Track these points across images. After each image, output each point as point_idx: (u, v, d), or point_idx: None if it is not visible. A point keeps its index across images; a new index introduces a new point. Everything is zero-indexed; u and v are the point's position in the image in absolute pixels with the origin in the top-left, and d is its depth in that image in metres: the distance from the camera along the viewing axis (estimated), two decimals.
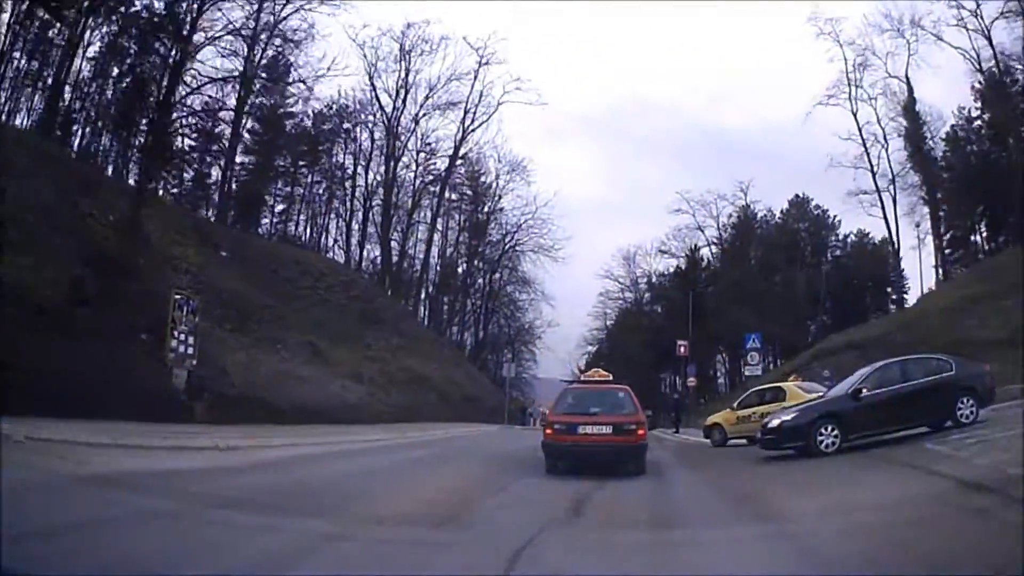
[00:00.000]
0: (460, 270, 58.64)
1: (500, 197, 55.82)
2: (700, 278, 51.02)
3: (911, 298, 62.10)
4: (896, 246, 41.31)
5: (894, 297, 62.73)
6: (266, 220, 49.77)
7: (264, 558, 5.08)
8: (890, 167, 41.05)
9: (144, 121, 28.10)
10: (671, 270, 58.02)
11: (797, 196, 61.21)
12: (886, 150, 40.79)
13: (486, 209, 56.19)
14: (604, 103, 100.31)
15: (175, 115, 27.71)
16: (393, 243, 50.39)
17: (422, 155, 51.90)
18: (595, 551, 6.26)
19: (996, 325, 23.11)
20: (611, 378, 13.82)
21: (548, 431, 11.84)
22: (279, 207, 51.21)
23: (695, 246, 54.77)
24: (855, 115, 42.19)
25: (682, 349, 35.64)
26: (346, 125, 51.55)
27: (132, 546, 5.19)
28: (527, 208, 55.13)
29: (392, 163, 50.55)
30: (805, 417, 12.78)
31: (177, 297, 19.38)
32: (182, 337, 18.96)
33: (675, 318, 48.46)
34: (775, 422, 13.09)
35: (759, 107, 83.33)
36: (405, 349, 37.57)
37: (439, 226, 56.49)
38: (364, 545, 5.93)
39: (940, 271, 43.41)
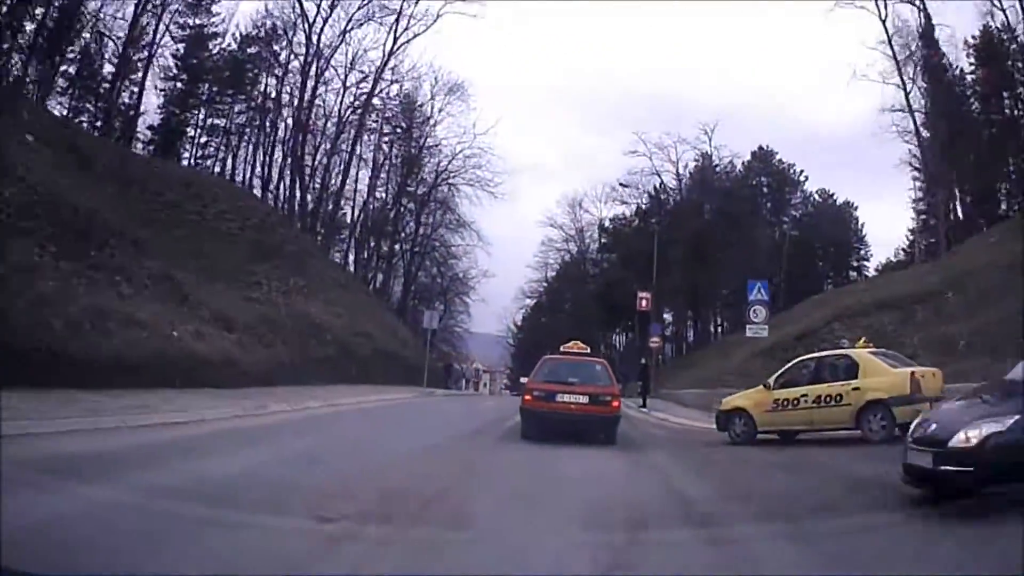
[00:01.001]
0: (392, 213, 50.35)
1: (435, 124, 47.41)
2: (666, 219, 43.29)
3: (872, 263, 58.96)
4: (928, 186, 34.74)
5: (855, 263, 58.54)
6: (187, 152, 42.11)
7: None
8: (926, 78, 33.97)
9: None
10: (626, 214, 50.41)
11: (761, 148, 54.94)
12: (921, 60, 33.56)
13: (421, 143, 47.72)
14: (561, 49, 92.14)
15: None
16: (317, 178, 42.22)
17: (351, 78, 43.13)
18: None
19: None
20: (588, 351, 14.23)
21: (527, 397, 12.09)
22: (202, 138, 43.16)
23: (660, 184, 47.27)
24: (884, 21, 34.90)
25: (643, 303, 28.72)
26: (274, 48, 42.95)
27: None
28: (464, 137, 46.96)
29: (312, 81, 41.58)
30: None
31: None
32: None
33: (633, 266, 41.45)
34: (969, 434, 5.89)
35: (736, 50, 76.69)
36: (305, 291, 29.48)
37: (368, 159, 48.10)
38: None
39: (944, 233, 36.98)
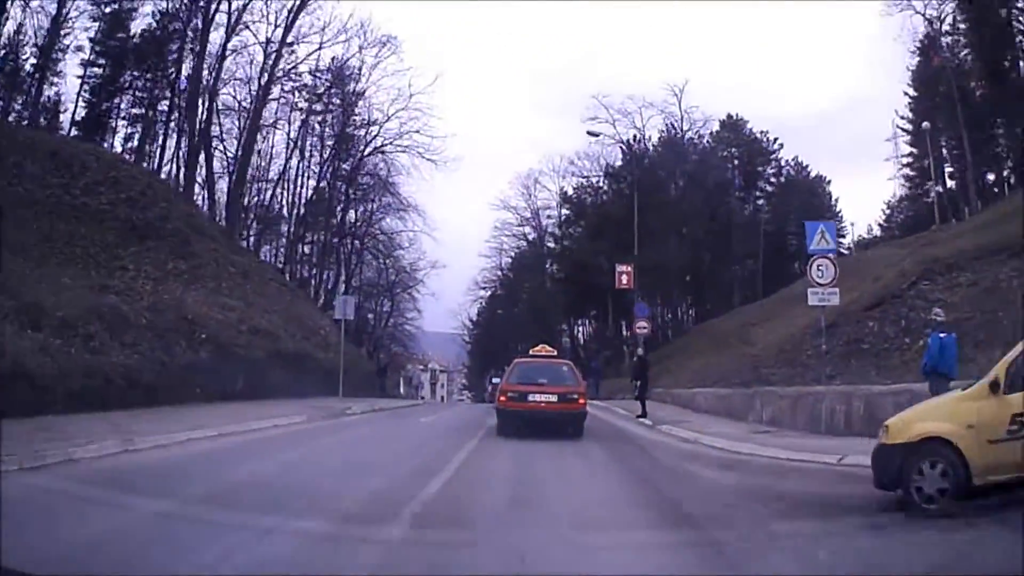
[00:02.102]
0: (325, 192, 42.91)
1: (368, 82, 39.99)
2: (645, 177, 35.83)
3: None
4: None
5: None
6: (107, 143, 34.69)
7: None
8: None
9: None
10: (591, 182, 42.91)
11: (730, 117, 48.77)
12: None
13: (352, 103, 40.25)
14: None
15: None
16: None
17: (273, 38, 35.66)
18: None
19: None
20: (556, 353, 15.08)
21: (502, 398, 12.47)
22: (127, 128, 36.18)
23: (634, 137, 40.17)
24: None
25: (623, 278, 22.15)
26: (195, 23, 35.18)
27: None
28: (400, 98, 39.61)
29: (223, 35, 34.00)
30: None
31: None
32: None
33: (604, 238, 34.66)
34: None
35: None
36: (186, 277, 22.04)
37: (296, 139, 40.51)
38: None
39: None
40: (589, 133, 34.02)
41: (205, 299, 20.50)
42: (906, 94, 41.25)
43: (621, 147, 39.06)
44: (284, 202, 41.93)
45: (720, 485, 7.22)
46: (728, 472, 7.96)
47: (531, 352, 14.48)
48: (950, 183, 41.46)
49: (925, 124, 30.78)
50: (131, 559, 4.29)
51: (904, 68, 40.36)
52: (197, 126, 31.95)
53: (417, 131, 38.32)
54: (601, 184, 41.30)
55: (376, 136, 40.36)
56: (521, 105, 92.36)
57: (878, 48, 71.34)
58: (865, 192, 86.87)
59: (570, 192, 42.74)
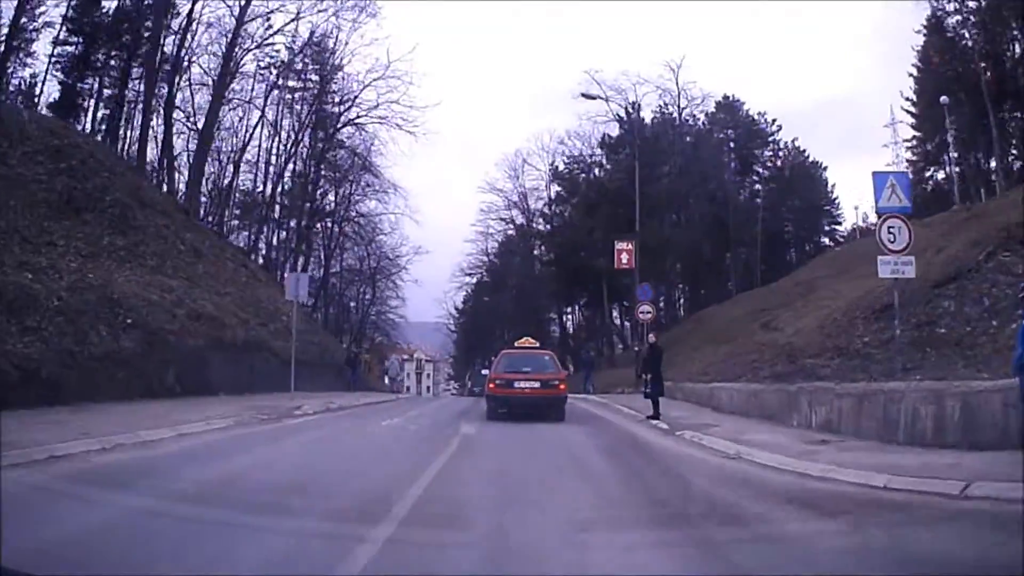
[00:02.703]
0: (299, 174, 40.06)
1: (342, 61, 37.05)
2: (646, 147, 32.64)
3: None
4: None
5: (827, 226, 50.92)
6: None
7: None
8: None
9: None
10: (584, 156, 39.79)
11: (727, 97, 46.07)
12: None
13: (328, 75, 37.31)
14: None
15: None
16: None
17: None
18: None
19: None
20: (539, 344, 16.86)
21: (491, 385, 13.65)
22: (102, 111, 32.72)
23: (632, 104, 37.17)
24: None
25: (624, 256, 19.44)
26: None
27: None
28: (377, 66, 36.82)
29: None
30: None
31: None
32: None
33: (599, 214, 31.83)
34: None
35: None
36: (123, 254, 19.09)
37: (274, 120, 37.60)
38: None
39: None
40: (584, 96, 31.03)
41: (141, 278, 17.55)
42: (911, 75, 38.96)
43: (618, 118, 36.18)
44: (258, 182, 39.31)
45: (821, 547, 4.44)
46: (815, 516, 5.15)
47: (516, 344, 16.25)
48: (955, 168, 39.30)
49: (944, 98, 28.15)
50: None
51: (909, 47, 38.30)
52: (154, 94, 28.77)
53: (396, 101, 35.42)
54: (597, 156, 38.36)
55: (352, 106, 37.33)
56: (510, 88, 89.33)
57: (874, 44, 69.13)
58: (860, 182, 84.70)
59: (561, 168, 39.83)
